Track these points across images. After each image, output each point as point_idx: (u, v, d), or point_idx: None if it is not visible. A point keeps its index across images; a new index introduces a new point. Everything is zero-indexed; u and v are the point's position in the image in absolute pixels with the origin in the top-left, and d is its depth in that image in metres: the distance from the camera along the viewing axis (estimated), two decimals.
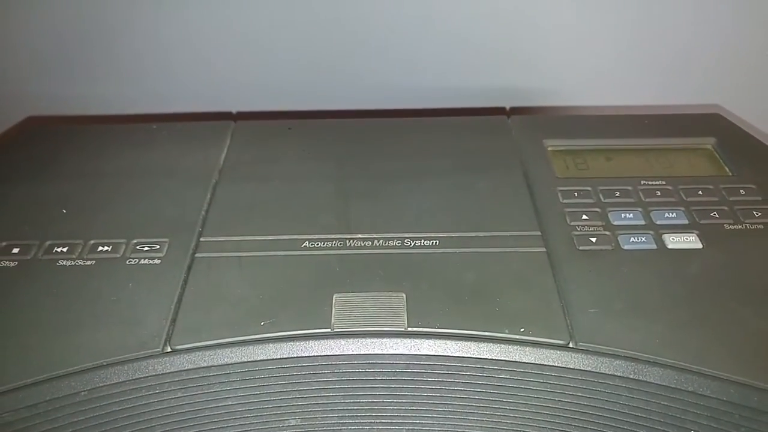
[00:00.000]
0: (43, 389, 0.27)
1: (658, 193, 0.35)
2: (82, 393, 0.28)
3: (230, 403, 0.30)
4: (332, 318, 0.29)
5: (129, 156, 0.40)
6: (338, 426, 0.31)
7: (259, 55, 0.47)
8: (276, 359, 0.28)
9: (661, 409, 0.28)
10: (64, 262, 0.32)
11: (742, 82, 0.47)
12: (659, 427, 0.28)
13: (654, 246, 0.32)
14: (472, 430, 0.30)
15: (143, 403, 0.29)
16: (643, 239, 0.33)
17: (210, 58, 0.47)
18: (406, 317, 0.29)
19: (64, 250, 0.33)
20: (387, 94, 0.48)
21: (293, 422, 0.31)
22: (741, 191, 0.35)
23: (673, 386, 0.27)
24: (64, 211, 0.35)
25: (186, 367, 0.28)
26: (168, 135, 0.41)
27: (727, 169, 0.38)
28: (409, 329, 0.29)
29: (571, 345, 0.28)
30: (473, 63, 0.47)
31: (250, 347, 0.28)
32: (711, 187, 0.36)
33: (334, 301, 0.30)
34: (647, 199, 0.35)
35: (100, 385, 0.28)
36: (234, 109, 0.45)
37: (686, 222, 0.34)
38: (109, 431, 0.29)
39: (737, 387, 0.27)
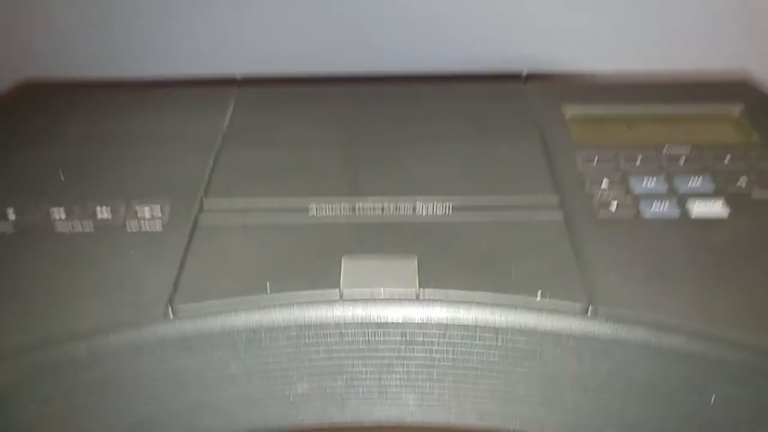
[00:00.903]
0: (42, 354, 0.27)
1: (683, 160, 0.34)
2: (82, 358, 0.27)
3: (234, 368, 0.29)
4: (341, 283, 0.28)
5: (129, 120, 0.38)
6: (346, 394, 0.30)
7: (264, 18, 0.45)
8: (282, 325, 0.27)
9: (682, 377, 0.27)
10: (63, 228, 0.31)
11: None
12: (679, 397, 0.28)
13: (677, 214, 0.31)
14: (486, 398, 0.29)
15: (145, 369, 0.28)
16: (666, 207, 0.31)
17: (214, 22, 0.46)
18: (417, 282, 0.28)
19: (63, 215, 0.32)
20: (399, 60, 0.47)
21: (300, 390, 0.30)
22: None
23: (696, 354, 0.26)
24: (62, 175, 0.34)
25: (189, 333, 0.27)
26: (170, 100, 0.40)
27: (755, 136, 0.36)
28: (421, 295, 0.28)
29: (590, 312, 0.27)
30: (488, 29, 0.46)
31: (256, 313, 0.27)
32: (738, 154, 0.34)
33: (342, 266, 0.29)
34: (671, 167, 0.34)
35: (101, 350, 0.27)
36: (238, 74, 0.44)
37: (712, 190, 0.32)
38: (110, 398, 0.29)
39: (763, 355, 0.26)
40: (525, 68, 0.42)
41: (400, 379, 0.30)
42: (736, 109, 0.38)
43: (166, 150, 0.36)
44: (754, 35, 0.45)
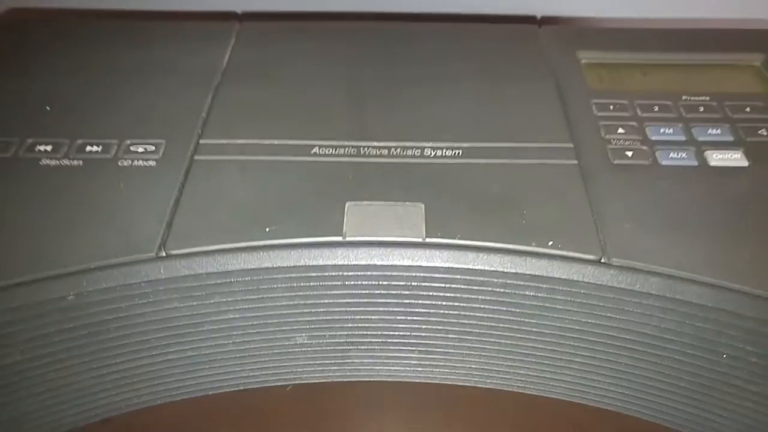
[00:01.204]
0: (26, 291, 0.25)
1: (701, 109, 0.33)
2: (69, 297, 0.26)
3: (231, 315, 0.28)
4: (344, 226, 0.27)
5: (123, 54, 0.36)
6: (347, 344, 0.29)
7: None
8: (282, 267, 0.26)
9: (695, 330, 0.26)
10: (48, 161, 0.29)
11: None
12: (690, 350, 0.27)
13: (695, 162, 0.30)
14: (493, 349, 0.28)
15: (136, 312, 0.27)
16: (684, 155, 0.30)
17: None
18: (424, 227, 0.27)
19: (48, 148, 0.30)
20: (408, 1, 0.44)
21: (300, 340, 0.29)
22: None
23: (711, 306, 0.25)
24: (48, 108, 0.32)
25: (182, 273, 0.26)
26: (167, 34, 0.38)
27: None
28: (428, 240, 0.26)
29: (603, 260, 0.26)
30: None
31: (254, 254, 0.26)
32: (759, 104, 0.33)
33: (346, 209, 0.27)
34: (689, 115, 0.32)
35: (89, 289, 0.26)
36: (239, 9, 0.41)
37: (731, 139, 0.31)
38: (98, 341, 0.27)
39: None
40: (540, 12, 0.40)
41: (403, 332, 0.29)
42: (757, 59, 0.36)
43: (162, 84, 0.34)
44: None
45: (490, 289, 0.27)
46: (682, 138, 0.31)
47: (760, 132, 0.31)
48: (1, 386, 0.27)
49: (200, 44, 0.37)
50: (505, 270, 0.26)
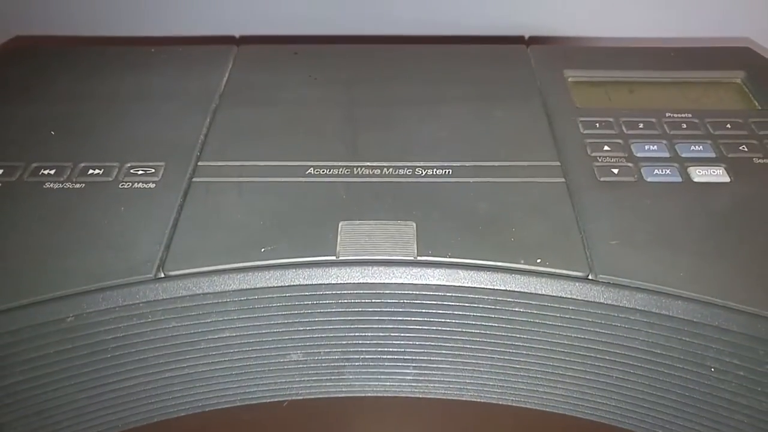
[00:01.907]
0: (26, 314, 0.26)
1: (684, 126, 0.34)
2: (69, 319, 0.26)
3: (227, 334, 0.28)
4: (338, 246, 0.27)
5: (124, 79, 0.37)
6: (342, 361, 0.30)
7: None
8: (277, 287, 0.27)
9: (682, 345, 0.27)
10: (51, 185, 0.30)
11: None
12: (678, 365, 0.27)
13: (679, 179, 0.31)
14: (484, 365, 0.29)
15: (134, 332, 0.27)
16: (668, 172, 0.31)
17: None
18: (416, 246, 0.27)
19: (52, 172, 0.31)
20: (399, 23, 0.45)
21: (295, 357, 0.29)
22: None
23: (696, 321, 0.26)
24: (53, 132, 0.33)
25: (180, 294, 0.27)
26: (166, 58, 0.39)
27: (756, 103, 0.35)
28: (419, 258, 0.27)
29: (590, 277, 0.26)
30: None
31: (250, 274, 0.27)
32: (740, 120, 0.34)
33: (340, 229, 0.28)
34: (672, 132, 0.33)
35: (88, 310, 0.26)
36: (237, 33, 0.42)
37: (713, 155, 0.32)
38: (97, 361, 0.28)
39: (764, 321, 0.25)
40: (527, 32, 0.41)
41: (396, 349, 0.29)
42: (737, 76, 0.37)
43: (162, 108, 0.35)
44: (756, 3, 0.45)
45: (481, 305, 0.27)
46: (667, 155, 0.32)
47: (741, 148, 0.32)
48: (1, 406, 0.28)
49: (199, 68, 0.38)
50: (495, 287, 0.27)
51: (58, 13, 0.46)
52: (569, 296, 0.26)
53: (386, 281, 0.27)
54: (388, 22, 0.46)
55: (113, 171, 0.31)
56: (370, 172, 0.31)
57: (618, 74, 0.38)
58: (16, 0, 0.46)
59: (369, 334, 0.29)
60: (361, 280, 0.27)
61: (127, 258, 0.27)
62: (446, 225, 0.28)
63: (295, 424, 0.32)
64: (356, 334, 0.29)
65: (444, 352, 0.29)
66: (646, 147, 0.32)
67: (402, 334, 0.28)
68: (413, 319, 0.28)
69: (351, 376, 0.30)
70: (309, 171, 0.31)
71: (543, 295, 0.27)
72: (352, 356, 0.29)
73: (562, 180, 0.30)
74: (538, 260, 0.27)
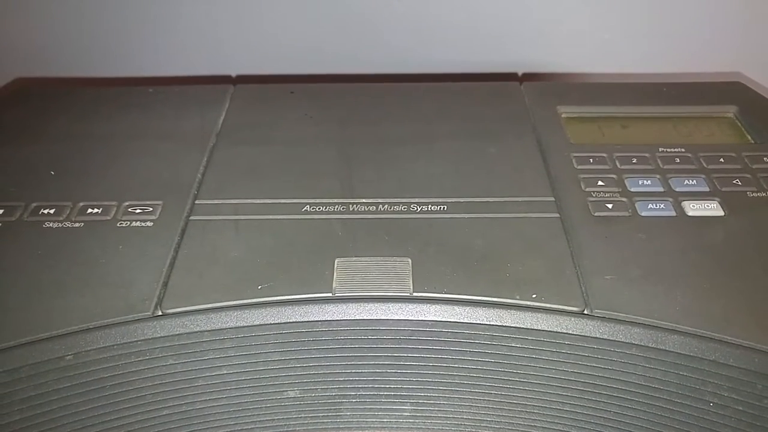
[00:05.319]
0: (25, 352, 0.26)
1: (677, 161, 0.34)
2: (67, 357, 0.26)
3: (225, 371, 0.28)
4: (334, 282, 0.27)
5: (122, 118, 0.38)
6: (339, 398, 0.30)
7: (260, 16, 0.45)
8: (273, 324, 0.27)
9: (680, 379, 0.27)
10: (51, 224, 0.31)
11: (765, 50, 0.45)
12: (677, 399, 0.27)
13: (673, 213, 0.31)
14: (481, 401, 0.29)
15: (132, 369, 0.27)
16: (662, 206, 0.31)
17: (209, 20, 0.46)
18: (411, 282, 0.27)
19: (51, 211, 0.31)
20: (394, 61, 0.47)
21: (292, 394, 0.29)
22: (765, 159, 0.34)
23: (693, 355, 0.26)
24: (53, 172, 0.34)
25: (177, 332, 0.27)
26: (164, 98, 0.40)
27: (749, 137, 0.36)
28: (415, 294, 0.27)
29: (586, 312, 0.27)
30: (484, 29, 0.46)
31: (246, 311, 0.27)
32: (733, 154, 0.34)
33: (336, 266, 0.28)
34: (666, 166, 0.34)
35: (87, 349, 0.26)
36: (233, 73, 0.43)
37: (707, 189, 0.32)
38: (95, 399, 0.28)
39: (761, 355, 0.25)
40: (521, 69, 0.42)
41: (393, 384, 0.29)
42: (729, 110, 0.38)
43: (160, 147, 0.36)
44: (748, 38, 0.46)
45: (477, 341, 0.27)
46: (660, 189, 0.32)
47: (734, 182, 0.32)
48: None
49: (196, 108, 0.39)
50: (491, 323, 0.27)
51: (57, 56, 0.47)
52: (565, 331, 0.27)
53: (382, 317, 0.27)
54: (383, 61, 0.47)
55: (112, 210, 0.31)
56: (366, 209, 0.31)
57: (611, 110, 0.38)
58: (16, 43, 0.47)
59: (366, 371, 0.29)
60: (357, 317, 0.27)
61: (125, 296, 0.27)
62: (442, 261, 0.28)
63: None
64: (353, 370, 0.29)
65: (441, 387, 0.29)
66: (640, 182, 0.33)
67: (399, 370, 0.28)
68: (410, 355, 0.28)
69: (348, 413, 0.30)
70: (305, 208, 0.31)
71: (539, 330, 0.27)
72: (349, 392, 0.29)
73: (557, 215, 0.31)
74: (534, 296, 0.27)
